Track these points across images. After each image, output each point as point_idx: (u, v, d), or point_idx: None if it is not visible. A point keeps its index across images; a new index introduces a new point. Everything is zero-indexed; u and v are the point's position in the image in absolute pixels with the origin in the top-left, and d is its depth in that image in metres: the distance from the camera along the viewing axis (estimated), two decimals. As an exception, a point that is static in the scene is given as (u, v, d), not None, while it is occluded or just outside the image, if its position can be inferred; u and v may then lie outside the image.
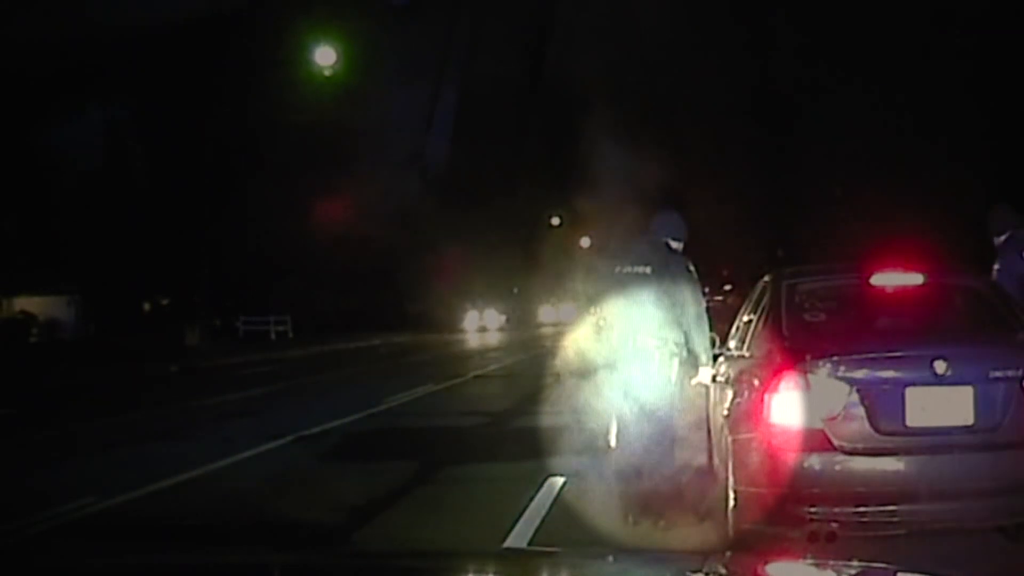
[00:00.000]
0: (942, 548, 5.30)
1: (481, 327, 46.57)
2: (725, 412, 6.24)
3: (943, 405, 5.26)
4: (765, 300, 6.28)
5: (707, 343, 6.76)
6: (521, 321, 48.35)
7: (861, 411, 5.23)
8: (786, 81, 31.32)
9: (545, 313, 46.88)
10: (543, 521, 6.63)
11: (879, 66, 27.12)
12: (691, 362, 6.75)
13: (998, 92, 24.63)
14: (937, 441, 5.26)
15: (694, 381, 6.84)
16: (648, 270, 6.62)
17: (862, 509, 5.16)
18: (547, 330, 37.51)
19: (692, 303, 6.67)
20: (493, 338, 39.54)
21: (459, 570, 2.91)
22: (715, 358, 7.33)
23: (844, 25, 28.70)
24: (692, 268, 6.74)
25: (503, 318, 49.22)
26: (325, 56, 22.78)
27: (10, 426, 13.61)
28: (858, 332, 5.89)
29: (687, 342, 6.69)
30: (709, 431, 7.34)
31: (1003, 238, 7.93)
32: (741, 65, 31.18)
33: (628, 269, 6.69)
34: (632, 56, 31.66)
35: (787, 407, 5.29)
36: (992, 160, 23.46)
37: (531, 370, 18.41)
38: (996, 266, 7.71)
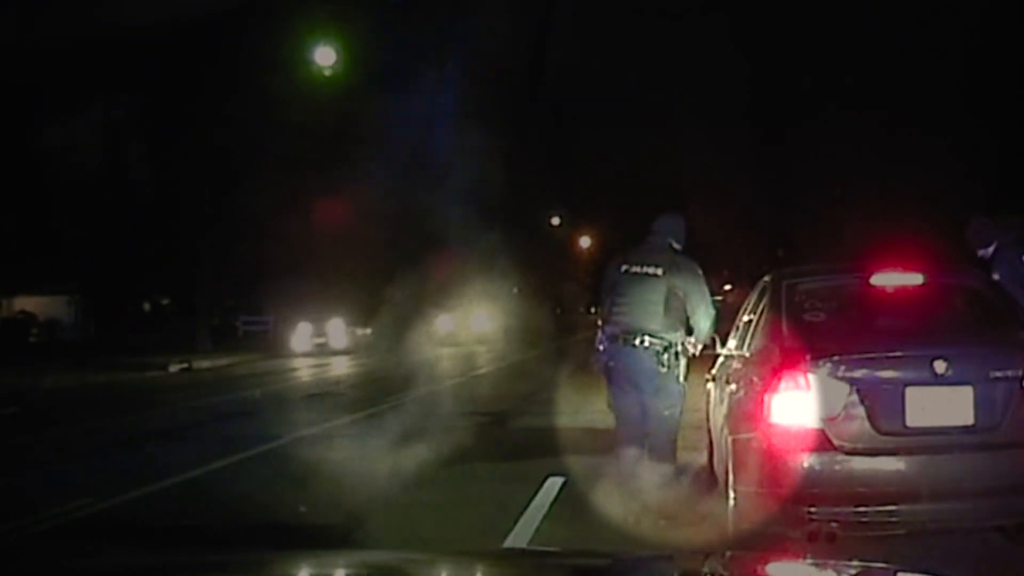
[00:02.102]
0: (942, 548, 5.31)
1: (317, 346, 31.46)
2: (725, 412, 6.24)
3: (943, 405, 5.26)
4: (765, 300, 6.28)
5: (710, 320, 6.79)
6: (403, 334, 23.54)
7: (861, 411, 5.23)
8: (785, 82, 31.37)
9: (443, 324, 30.51)
10: (543, 521, 6.63)
11: (878, 66, 27.15)
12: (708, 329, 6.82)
13: (998, 91, 24.65)
14: (937, 441, 5.26)
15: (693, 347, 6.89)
16: (660, 271, 6.64)
17: (862, 509, 5.16)
18: (444, 351, 24.20)
19: (699, 297, 6.68)
20: (317, 370, 23.57)
21: (459, 570, 2.91)
22: (715, 359, 7.35)
23: (844, 26, 28.74)
24: (700, 272, 6.76)
25: (365, 332, 31.74)
26: (325, 56, 22.80)
27: (10, 426, 13.62)
28: (858, 332, 5.88)
29: (692, 319, 6.73)
30: (709, 431, 7.35)
31: (990, 249, 7.75)
32: (741, 66, 31.21)
33: (636, 269, 6.70)
34: (632, 58, 31.73)
35: (787, 407, 5.28)
36: (991, 160, 23.48)
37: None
38: (995, 277, 7.52)
